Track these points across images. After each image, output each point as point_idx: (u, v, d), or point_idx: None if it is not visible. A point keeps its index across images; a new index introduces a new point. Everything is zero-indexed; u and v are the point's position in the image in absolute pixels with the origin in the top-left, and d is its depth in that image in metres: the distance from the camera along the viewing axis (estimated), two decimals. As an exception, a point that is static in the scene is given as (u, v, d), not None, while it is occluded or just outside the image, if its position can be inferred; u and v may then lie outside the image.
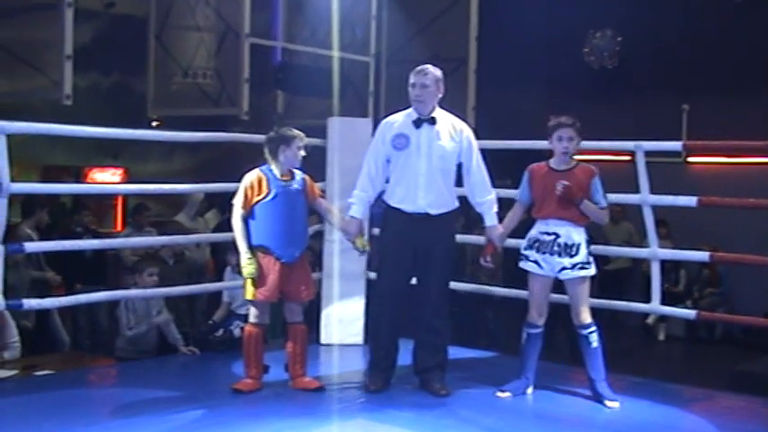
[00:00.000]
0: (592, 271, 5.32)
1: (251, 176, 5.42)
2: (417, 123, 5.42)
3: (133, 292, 6.60)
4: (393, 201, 5.48)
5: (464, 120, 5.65)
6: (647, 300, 6.29)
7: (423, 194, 5.38)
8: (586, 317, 5.32)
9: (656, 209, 6.17)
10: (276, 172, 5.41)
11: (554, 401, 5.42)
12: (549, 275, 5.35)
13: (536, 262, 5.34)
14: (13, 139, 5.33)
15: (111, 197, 11.88)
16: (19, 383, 5.80)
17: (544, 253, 5.31)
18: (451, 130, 5.46)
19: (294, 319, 5.53)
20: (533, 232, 5.39)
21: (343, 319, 6.86)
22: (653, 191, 6.08)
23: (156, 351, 6.75)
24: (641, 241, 10.50)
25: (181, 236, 7.84)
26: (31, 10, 7.99)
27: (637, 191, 6.11)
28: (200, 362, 6.47)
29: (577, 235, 5.28)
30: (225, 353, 6.36)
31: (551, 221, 5.30)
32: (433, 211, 5.41)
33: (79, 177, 12.13)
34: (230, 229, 5.51)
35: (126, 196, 11.52)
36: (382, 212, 5.64)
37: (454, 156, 5.45)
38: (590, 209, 5.26)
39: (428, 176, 5.38)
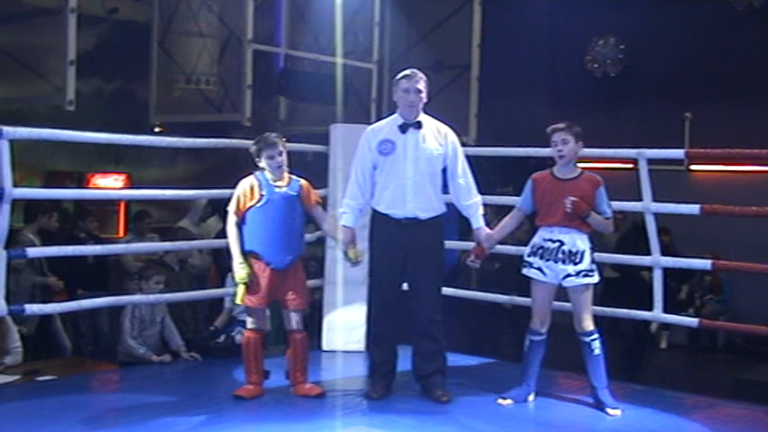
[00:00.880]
0: (596, 278, 5.32)
1: (244, 183, 5.43)
2: (403, 128, 5.43)
3: (135, 298, 6.59)
4: (381, 207, 5.48)
5: (456, 125, 5.66)
6: (649, 308, 6.28)
7: (411, 198, 5.39)
8: (589, 324, 5.31)
9: (659, 217, 6.17)
10: (270, 178, 5.41)
11: (556, 409, 5.41)
12: (552, 283, 5.34)
13: (540, 269, 5.34)
14: (15, 145, 5.33)
15: (114, 203, 11.88)
16: (21, 389, 5.80)
17: (548, 260, 5.31)
18: (437, 134, 5.48)
19: (291, 326, 5.52)
20: (536, 239, 5.39)
21: (345, 326, 6.85)
22: (655, 199, 6.08)
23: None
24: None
25: (183, 242, 7.84)
26: (34, 16, 8.01)
27: (639, 199, 6.11)
28: (201, 368, 6.47)
29: (582, 242, 5.28)
30: (226, 359, 6.36)
31: (555, 229, 5.30)
32: (422, 215, 5.41)
33: (82, 183, 12.11)
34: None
35: (128, 202, 11.51)
36: (370, 218, 5.64)
37: (440, 159, 5.45)
38: (596, 220, 5.27)
39: (415, 180, 5.39)
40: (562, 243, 5.27)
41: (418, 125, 5.44)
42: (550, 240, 5.31)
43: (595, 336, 5.29)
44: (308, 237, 6.80)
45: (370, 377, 5.63)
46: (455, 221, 6.49)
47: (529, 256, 5.40)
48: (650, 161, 6.08)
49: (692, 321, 6.60)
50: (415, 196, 5.39)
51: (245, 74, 9.19)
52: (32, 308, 5.91)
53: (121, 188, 12.21)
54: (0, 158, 5.24)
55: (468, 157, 5.61)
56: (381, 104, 10.67)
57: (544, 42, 12.64)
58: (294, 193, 5.45)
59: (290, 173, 5.51)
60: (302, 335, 5.54)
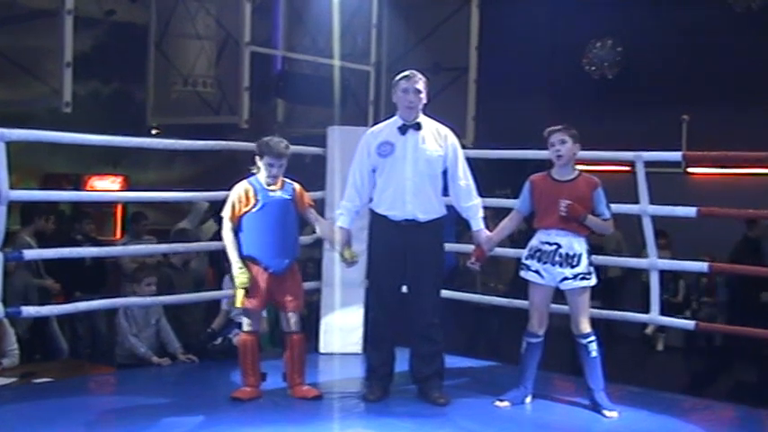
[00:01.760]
0: (593, 281, 5.32)
1: (238, 188, 5.43)
2: (403, 129, 5.43)
3: (132, 300, 6.59)
4: (380, 208, 5.47)
5: (455, 127, 5.65)
6: (644, 309, 6.29)
7: (410, 199, 5.38)
8: (586, 326, 5.31)
9: (656, 219, 6.17)
10: (263, 182, 5.42)
11: (553, 411, 5.41)
12: (550, 285, 5.35)
13: (537, 272, 5.34)
14: (12, 147, 5.32)
15: (111, 205, 11.88)
16: (18, 391, 5.80)
17: (545, 263, 5.31)
18: (437, 136, 5.47)
19: (289, 328, 5.52)
20: (534, 242, 5.39)
21: (343, 328, 6.85)
22: (653, 201, 6.09)
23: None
24: (629, 250, 10.55)
25: (180, 244, 7.84)
26: (31, 18, 8.01)
27: (636, 201, 6.11)
28: (198, 370, 6.47)
29: (579, 245, 5.28)
30: (224, 361, 6.35)
31: (553, 231, 5.29)
32: (422, 217, 5.40)
33: (79, 185, 12.12)
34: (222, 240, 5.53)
35: (125, 204, 11.51)
36: (369, 220, 5.64)
37: (440, 161, 5.45)
38: (594, 222, 5.27)
39: (415, 181, 5.38)
40: (559, 246, 5.28)
41: (418, 126, 5.44)
42: (547, 243, 5.31)
43: (592, 338, 5.30)
44: (306, 239, 6.82)
45: (368, 379, 5.62)
46: (453, 224, 6.49)
47: (527, 258, 5.40)
48: (647, 163, 6.08)
49: (689, 324, 6.62)
50: (414, 198, 5.39)
51: (242, 76, 9.20)
52: (29, 310, 5.90)
53: (118, 190, 12.22)
54: (-3, 161, 5.23)
55: (467, 160, 5.61)
56: (379, 107, 10.68)
57: (542, 44, 12.64)
58: (288, 197, 5.46)
59: (284, 176, 5.52)
60: (300, 336, 5.53)
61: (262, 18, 10.12)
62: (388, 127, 5.50)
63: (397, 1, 11.30)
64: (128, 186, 12.46)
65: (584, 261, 5.27)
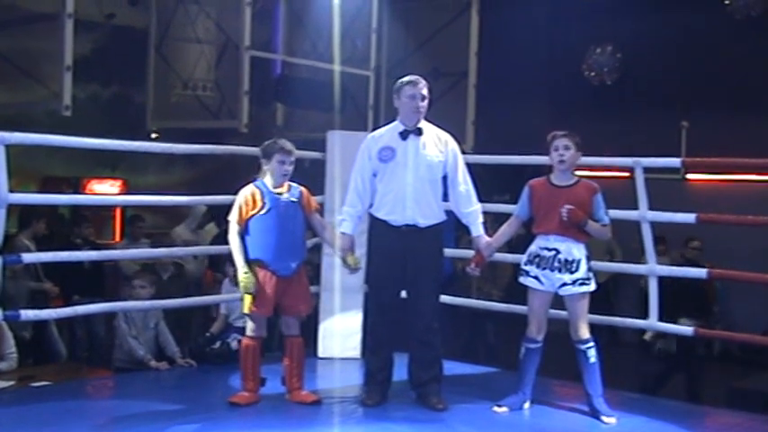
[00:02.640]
0: (592, 287, 5.32)
1: (245, 191, 5.43)
2: (404, 135, 5.43)
3: (130, 304, 6.59)
4: (380, 213, 5.47)
5: (454, 133, 5.65)
6: (642, 315, 6.29)
7: (411, 205, 5.38)
8: (585, 332, 5.31)
9: (655, 225, 6.17)
10: (270, 185, 5.42)
11: (551, 417, 5.41)
12: (549, 291, 5.35)
13: (536, 277, 5.34)
14: (12, 150, 5.33)
15: (110, 209, 11.88)
16: (16, 394, 5.79)
17: (544, 269, 5.31)
18: (437, 141, 5.48)
19: (291, 332, 5.52)
20: (533, 247, 5.39)
21: (341, 333, 6.85)
22: (651, 207, 6.09)
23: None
24: (622, 255, 10.54)
25: (177, 248, 7.84)
26: (32, 21, 8.00)
27: (635, 207, 6.11)
28: (197, 374, 6.46)
29: (578, 251, 5.28)
30: (222, 365, 6.35)
31: (552, 237, 5.30)
32: (422, 222, 5.41)
33: (78, 188, 12.12)
34: (226, 243, 5.52)
35: (124, 208, 11.51)
36: (369, 225, 5.64)
37: (440, 166, 5.46)
38: (593, 228, 5.27)
39: (416, 187, 5.39)
40: (558, 251, 5.28)
41: (419, 132, 5.44)
42: (546, 249, 5.31)
43: (591, 344, 5.30)
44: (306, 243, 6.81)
45: (366, 384, 5.62)
46: (452, 229, 6.49)
47: (525, 264, 5.41)
48: (646, 170, 6.08)
49: (688, 330, 6.61)
50: (414, 203, 5.39)
51: (242, 80, 9.19)
52: (28, 314, 5.89)
53: (117, 194, 12.21)
54: (-4, 164, 5.23)
55: (466, 165, 5.61)
56: (379, 111, 10.67)
57: (541, 50, 12.66)
58: (295, 200, 5.46)
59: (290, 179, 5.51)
60: (299, 340, 5.53)
61: (262, 22, 10.12)
62: (388, 132, 5.51)
63: (397, 6, 11.31)
64: (127, 190, 12.46)
65: (584, 267, 5.27)
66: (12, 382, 6.02)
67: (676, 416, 5.56)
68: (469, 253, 5.74)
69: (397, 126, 5.49)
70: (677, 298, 7.08)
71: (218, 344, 6.66)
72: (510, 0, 11.81)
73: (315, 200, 5.70)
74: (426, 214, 5.42)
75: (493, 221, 6.23)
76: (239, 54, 9.25)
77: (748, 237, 9.95)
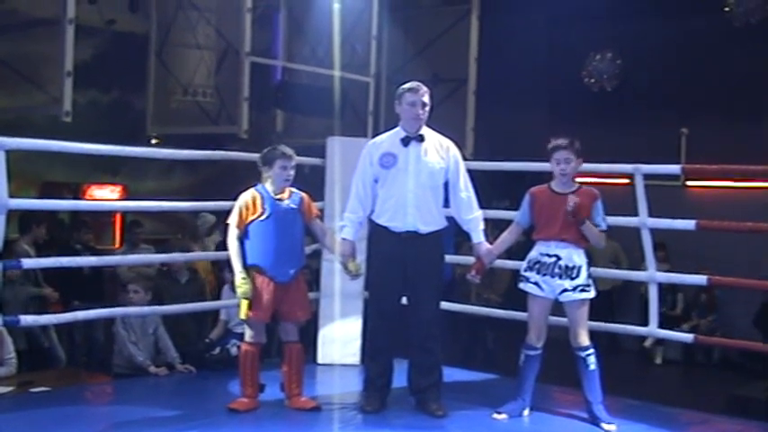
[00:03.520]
0: (592, 293, 5.31)
1: (245, 196, 5.42)
2: (405, 141, 5.43)
3: (130, 309, 6.58)
4: (381, 219, 5.47)
5: (454, 139, 5.65)
6: (642, 322, 6.28)
7: (412, 211, 5.38)
8: (585, 339, 5.31)
9: (655, 232, 6.17)
10: (270, 190, 5.41)
11: (550, 424, 5.40)
12: (549, 297, 5.34)
13: (536, 284, 5.33)
14: (12, 155, 5.32)
15: (110, 214, 11.87)
16: (15, 400, 5.78)
17: (545, 275, 5.30)
18: (438, 148, 5.47)
19: (289, 338, 5.52)
20: (534, 254, 5.38)
21: (341, 339, 6.84)
22: (651, 214, 6.09)
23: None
24: (628, 261, 10.55)
25: (177, 254, 7.84)
26: (32, 26, 8.02)
27: (635, 214, 6.12)
28: (196, 380, 6.45)
29: (578, 257, 5.28)
30: (221, 371, 6.35)
31: (553, 243, 5.29)
32: (423, 229, 5.40)
33: (78, 194, 12.11)
34: (225, 248, 5.51)
35: (124, 214, 11.51)
36: (369, 232, 5.64)
37: (442, 173, 5.45)
38: (591, 231, 5.26)
39: (417, 193, 5.38)
40: (559, 258, 5.27)
41: (420, 138, 5.44)
42: (547, 255, 5.31)
43: (591, 351, 5.29)
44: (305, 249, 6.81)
45: (366, 390, 5.61)
46: (451, 235, 6.48)
47: (526, 270, 5.40)
48: (646, 176, 6.08)
49: (688, 337, 6.62)
50: (416, 209, 5.39)
51: (242, 86, 9.21)
52: (27, 319, 5.89)
53: (117, 200, 12.21)
54: (-4, 169, 5.23)
55: (467, 171, 5.61)
56: (378, 118, 10.69)
57: (541, 56, 12.67)
58: (295, 206, 5.45)
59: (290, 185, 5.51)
60: (298, 346, 5.53)
61: (262, 28, 10.14)
62: (390, 138, 5.51)
63: (397, 12, 11.33)
64: (127, 195, 12.46)
65: (584, 273, 5.27)
66: (11, 388, 6.02)
67: (676, 423, 5.56)
68: (469, 259, 5.73)
69: (398, 132, 5.49)
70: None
71: (217, 350, 6.66)
72: (510, 6, 11.82)
73: (315, 206, 5.69)
74: (427, 221, 5.42)
75: (492, 228, 6.23)
76: (239, 60, 9.26)
77: (748, 244, 9.97)
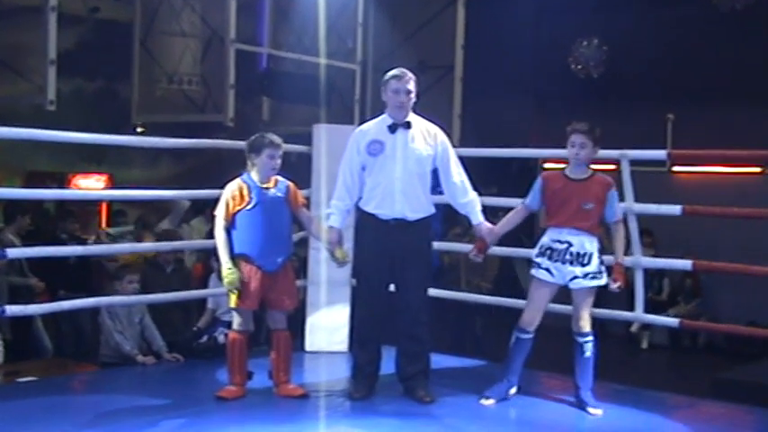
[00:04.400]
0: (603, 281, 5.29)
1: (232, 186, 5.41)
2: (392, 128, 5.41)
3: (116, 298, 6.55)
4: (369, 207, 5.46)
5: (440, 126, 5.64)
6: (629, 308, 6.31)
7: (399, 198, 5.37)
8: (586, 325, 5.31)
9: (641, 218, 6.18)
10: (256, 179, 5.40)
11: (537, 408, 5.42)
12: (557, 283, 5.32)
13: (548, 269, 5.30)
14: (-4, 144, 5.31)
15: (95, 203, 11.82)
16: (1, 390, 5.78)
17: (556, 261, 5.27)
18: (426, 135, 5.46)
19: (277, 326, 5.52)
20: (545, 240, 5.34)
21: (328, 327, 6.84)
22: (638, 200, 6.09)
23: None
24: (610, 247, 10.56)
25: (164, 243, 7.80)
26: (15, 14, 7.97)
27: (621, 199, 6.12)
28: (183, 369, 6.44)
29: (590, 244, 5.25)
30: (209, 360, 6.34)
31: (565, 230, 5.26)
32: (411, 216, 5.39)
33: (63, 183, 12.06)
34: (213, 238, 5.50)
35: (110, 203, 11.48)
36: (357, 219, 5.63)
37: (429, 160, 5.44)
38: (621, 253, 5.36)
39: (404, 180, 5.37)
40: (570, 244, 5.24)
41: (407, 125, 5.42)
42: (559, 241, 5.27)
43: (590, 338, 5.29)
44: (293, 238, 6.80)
45: (354, 378, 5.62)
46: (439, 222, 6.48)
47: (537, 256, 5.36)
48: (633, 162, 6.09)
49: (674, 322, 6.64)
50: (403, 196, 5.37)
51: (227, 74, 9.16)
52: (13, 309, 5.87)
53: (103, 189, 12.17)
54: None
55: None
56: (365, 105, 10.67)
57: (528, 43, 12.65)
58: (282, 195, 5.44)
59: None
60: (286, 334, 5.53)
61: (247, 16, 10.09)
62: (377, 125, 5.49)
63: (383, -1, 11.29)
64: (112, 185, 12.41)
65: (595, 260, 5.24)
66: (-3, 378, 6.01)
67: (662, 407, 5.58)
68: (457, 246, 5.73)
69: (385, 119, 5.47)
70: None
71: (205, 338, 6.65)
72: (496, -7, 11.81)
73: (302, 194, 5.68)
74: (415, 208, 5.41)
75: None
76: (224, 48, 9.22)
77: (733, 228, 10.01)
